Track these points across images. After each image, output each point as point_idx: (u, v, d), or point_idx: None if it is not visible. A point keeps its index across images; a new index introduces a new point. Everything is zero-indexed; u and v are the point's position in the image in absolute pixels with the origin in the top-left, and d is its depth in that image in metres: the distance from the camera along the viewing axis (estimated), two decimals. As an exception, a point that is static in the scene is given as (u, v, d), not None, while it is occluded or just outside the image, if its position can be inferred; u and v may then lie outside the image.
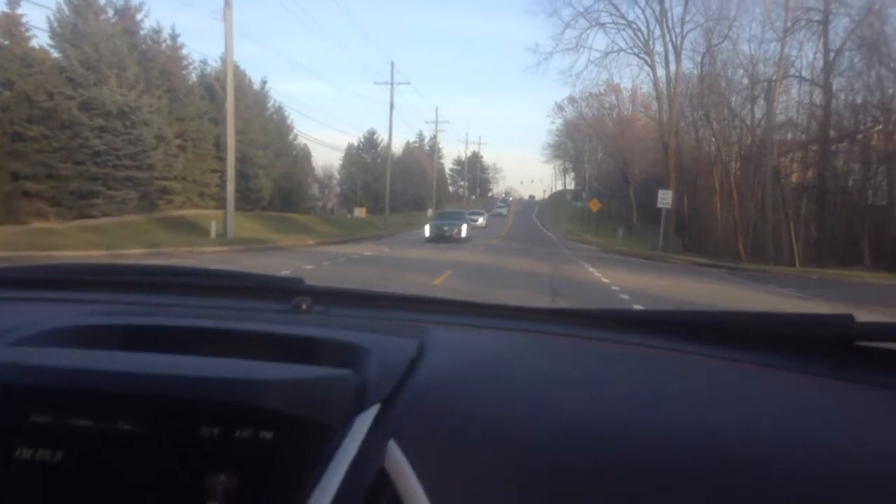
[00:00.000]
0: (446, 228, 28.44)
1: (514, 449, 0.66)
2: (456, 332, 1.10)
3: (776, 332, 1.06)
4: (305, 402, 0.69)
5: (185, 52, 38.52)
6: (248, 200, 40.11)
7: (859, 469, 0.63)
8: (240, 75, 42.17)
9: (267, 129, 43.88)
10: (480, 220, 47.02)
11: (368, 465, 0.64)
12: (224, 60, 23.96)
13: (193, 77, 39.74)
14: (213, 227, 23.22)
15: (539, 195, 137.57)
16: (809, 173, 29.74)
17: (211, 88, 38.57)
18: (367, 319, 1.18)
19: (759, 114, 32.61)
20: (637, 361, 0.98)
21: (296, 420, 0.68)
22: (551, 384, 0.83)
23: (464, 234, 28.81)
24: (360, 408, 0.71)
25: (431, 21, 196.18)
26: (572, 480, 0.63)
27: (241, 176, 39.02)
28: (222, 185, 24.95)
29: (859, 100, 27.08)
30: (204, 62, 42.52)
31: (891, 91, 26.02)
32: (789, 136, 31.04)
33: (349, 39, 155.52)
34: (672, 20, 37.17)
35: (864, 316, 1.01)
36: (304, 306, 1.19)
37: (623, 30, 39.25)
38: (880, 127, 25.71)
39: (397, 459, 0.63)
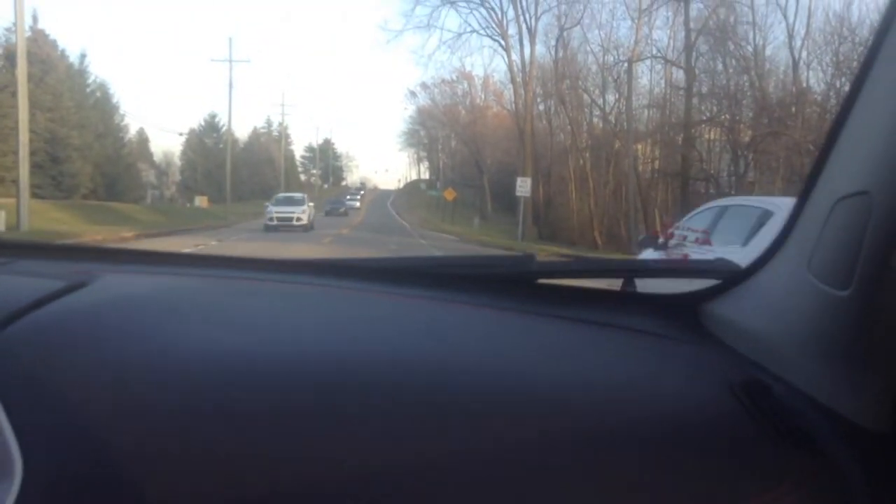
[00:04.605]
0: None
1: (120, 381, 0.69)
2: (126, 278, 1.03)
3: (473, 273, 1.14)
4: None
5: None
6: (62, 187, 35.13)
7: (543, 390, 0.74)
8: (49, 45, 36.98)
9: (84, 106, 38.78)
10: None
11: None
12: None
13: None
14: (2, 218, 19.46)
15: (394, 185, 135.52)
16: (657, 162, 29.77)
17: (15, 59, 33.34)
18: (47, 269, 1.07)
19: (612, 100, 32.41)
20: (324, 300, 0.98)
21: None
22: (188, 320, 0.83)
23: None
24: None
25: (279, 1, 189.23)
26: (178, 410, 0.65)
27: (52, 159, 34.18)
28: (19, 169, 20.94)
29: (704, 89, 27.40)
30: (9, 30, 37.02)
31: (735, 81, 26.41)
32: (647, 118, 30.94)
33: (194, 21, 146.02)
34: (526, 1, 36.13)
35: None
36: None
37: (476, 9, 37.90)
38: (726, 116, 26.00)
39: None
